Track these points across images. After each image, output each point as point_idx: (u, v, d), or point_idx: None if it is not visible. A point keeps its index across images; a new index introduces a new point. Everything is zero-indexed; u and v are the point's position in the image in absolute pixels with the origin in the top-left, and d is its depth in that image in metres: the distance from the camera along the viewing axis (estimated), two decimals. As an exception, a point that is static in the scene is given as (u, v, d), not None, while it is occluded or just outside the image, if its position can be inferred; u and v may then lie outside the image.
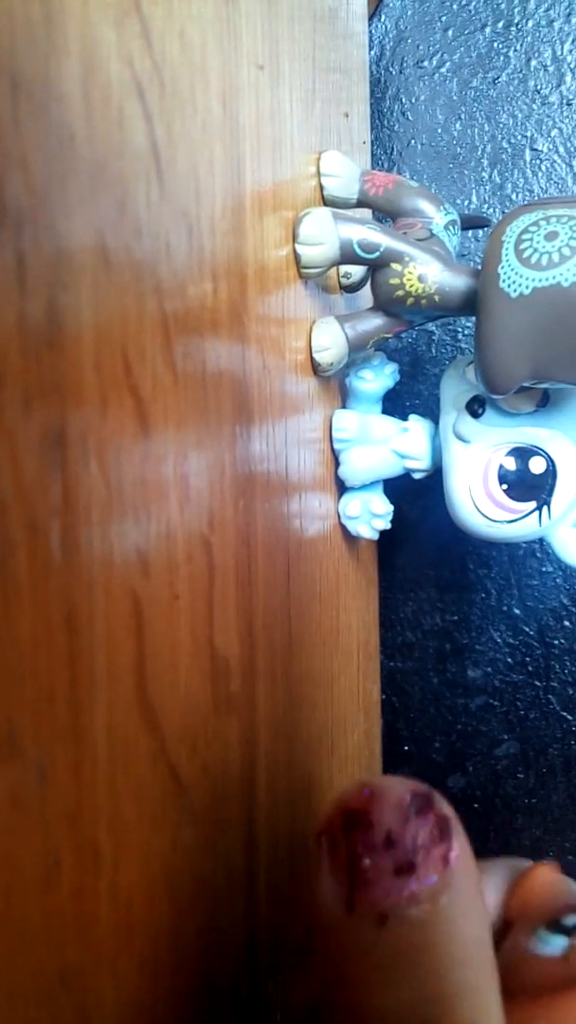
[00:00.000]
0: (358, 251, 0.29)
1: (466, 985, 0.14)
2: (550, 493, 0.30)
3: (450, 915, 0.14)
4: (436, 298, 0.29)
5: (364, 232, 0.29)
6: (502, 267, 0.25)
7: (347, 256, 0.29)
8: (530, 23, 0.49)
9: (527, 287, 0.24)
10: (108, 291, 0.15)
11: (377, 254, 0.29)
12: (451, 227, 0.32)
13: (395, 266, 0.29)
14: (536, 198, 0.49)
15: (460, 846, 0.14)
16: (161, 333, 0.17)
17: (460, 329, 0.51)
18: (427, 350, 0.52)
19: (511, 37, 0.49)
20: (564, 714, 0.51)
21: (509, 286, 0.24)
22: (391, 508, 0.37)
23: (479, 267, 0.26)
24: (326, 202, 0.33)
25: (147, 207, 0.16)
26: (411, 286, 0.29)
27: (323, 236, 0.28)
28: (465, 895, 0.14)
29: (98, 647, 0.14)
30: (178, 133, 0.18)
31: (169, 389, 0.17)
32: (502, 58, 0.50)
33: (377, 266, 0.29)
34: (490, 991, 0.14)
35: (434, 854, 0.14)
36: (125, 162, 0.15)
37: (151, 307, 0.16)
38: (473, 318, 0.27)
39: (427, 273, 0.28)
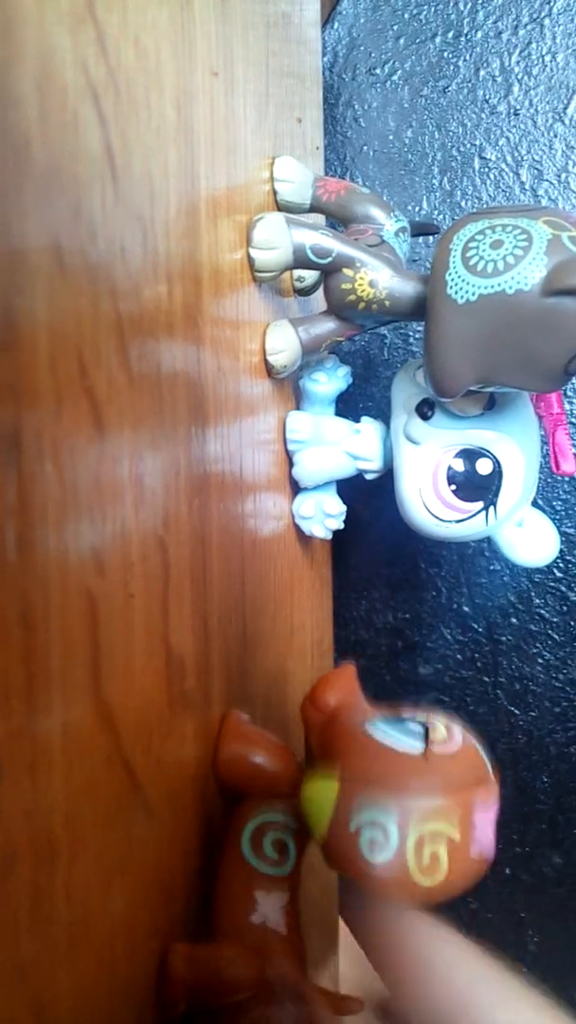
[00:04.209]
0: (311, 256, 0.29)
1: None
2: (496, 493, 0.31)
3: None
4: (386, 303, 0.29)
5: (317, 237, 0.29)
6: (449, 274, 0.25)
7: (300, 261, 0.29)
8: (479, 34, 0.50)
9: (473, 294, 0.25)
10: (63, 293, 0.15)
11: (329, 259, 0.29)
12: (401, 233, 0.33)
13: (347, 271, 0.29)
14: (484, 206, 0.50)
15: None
16: (116, 335, 0.17)
17: (411, 333, 0.52)
18: (379, 353, 0.53)
19: (461, 47, 0.51)
20: (511, 708, 0.52)
21: (456, 293, 0.25)
22: (344, 508, 0.37)
23: (428, 273, 0.27)
24: (279, 207, 0.33)
25: (102, 211, 0.16)
26: (362, 291, 0.29)
27: (276, 241, 0.28)
28: None
29: (53, 645, 0.14)
30: (132, 138, 0.18)
31: (124, 391, 0.17)
32: (452, 67, 0.51)
33: (329, 271, 0.30)
34: None
35: None
36: (80, 166, 0.15)
37: (106, 309, 0.16)
38: (423, 323, 0.27)
39: (378, 279, 0.29)
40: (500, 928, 0.53)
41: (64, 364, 0.15)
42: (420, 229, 0.38)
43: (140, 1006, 0.19)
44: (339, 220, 0.34)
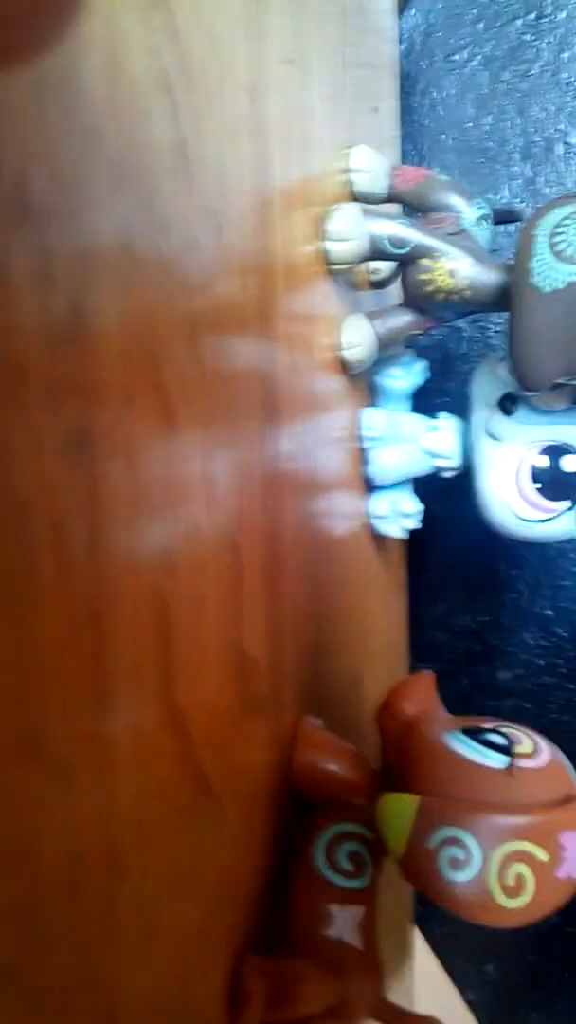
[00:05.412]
0: (388, 247, 0.28)
1: None
2: (584, 492, 0.29)
3: None
4: (467, 293, 0.28)
5: (394, 228, 0.28)
6: (535, 262, 0.24)
7: (376, 252, 0.29)
8: (563, 14, 0.48)
9: (562, 281, 0.24)
10: (134, 287, 0.14)
11: (407, 249, 0.28)
12: (483, 222, 0.32)
13: (425, 261, 0.28)
14: (569, 192, 0.48)
15: None
16: (188, 330, 0.17)
17: (491, 325, 0.51)
18: (457, 347, 0.52)
19: (542, 29, 0.49)
20: (597, 717, 0.50)
21: (542, 281, 0.24)
22: (420, 507, 0.36)
23: (511, 262, 0.26)
24: (355, 197, 0.32)
25: (174, 203, 0.16)
26: (441, 281, 0.28)
27: (352, 232, 0.28)
28: None
29: (123, 648, 0.14)
30: (205, 128, 0.17)
31: (196, 387, 0.17)
32: (533, 50, 0.49)
33: (407, 262, 0.29)
34: None
35: None
36: (152, 157, 0.15)
37: (178, 304, 0.16)
38: (504, 314, 0.26)
39: (458, 268, 0.28)
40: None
41: (135, 359, 0.14)
42: (503, 216, 0.36)
43: (213, 1018, 0.18)
44: (417, 209, 0.33)
